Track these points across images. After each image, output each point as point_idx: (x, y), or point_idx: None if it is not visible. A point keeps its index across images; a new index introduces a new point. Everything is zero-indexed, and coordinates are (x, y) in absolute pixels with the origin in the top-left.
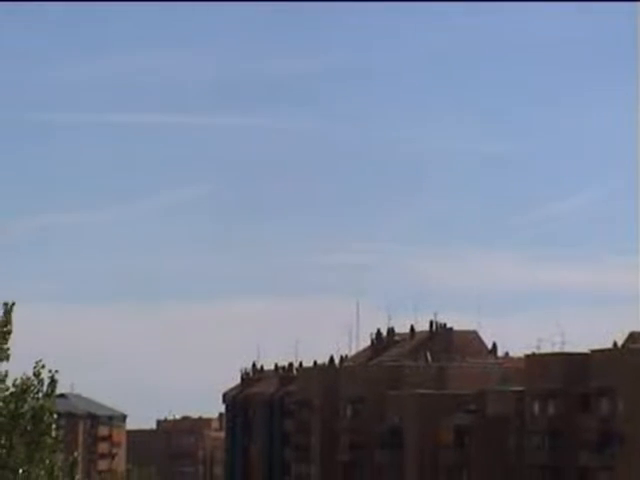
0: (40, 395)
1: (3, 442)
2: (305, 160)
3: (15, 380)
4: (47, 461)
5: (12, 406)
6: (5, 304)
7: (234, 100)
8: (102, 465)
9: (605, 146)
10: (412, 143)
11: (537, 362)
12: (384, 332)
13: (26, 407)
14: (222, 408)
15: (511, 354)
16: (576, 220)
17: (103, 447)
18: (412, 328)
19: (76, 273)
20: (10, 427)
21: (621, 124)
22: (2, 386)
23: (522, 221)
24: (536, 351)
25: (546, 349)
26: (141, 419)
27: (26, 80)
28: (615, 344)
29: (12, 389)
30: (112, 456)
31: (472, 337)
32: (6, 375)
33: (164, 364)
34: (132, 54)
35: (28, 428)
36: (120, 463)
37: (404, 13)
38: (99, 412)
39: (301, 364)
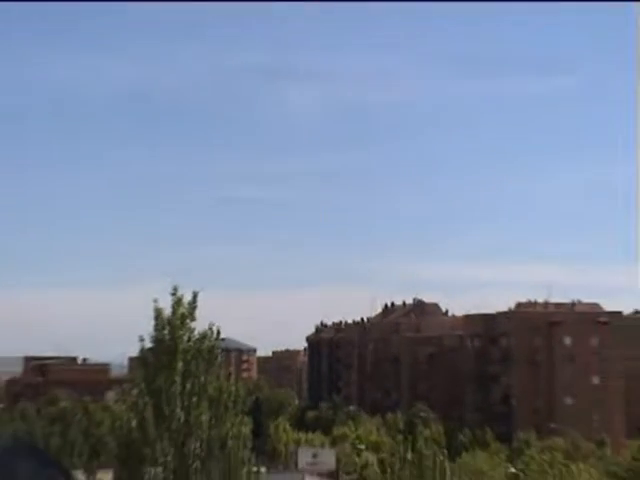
0: (212, 339)
1: (192, 365)
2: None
3: (200, 332)
4: (216, 374)
5: (198, 344)
6: (194, 292)
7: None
8: (244, 375)
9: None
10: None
11: (470, 318)
12: (389, 305)
13: (205, 345)
14: (305, 345)
15: (456, 315)
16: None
17: (244, 366)
18: (404, 302)
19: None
20: (197, 356)
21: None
22: (192, 335)
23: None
24: (468, 313)
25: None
26: (264, 350)
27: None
28: (510, 309)
29: (198, 336)
30: (249, 371)
31: (435, 307)
32: (194, 329)
33: (281, 323)
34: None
35: (206, 356)
36: (253, 374)
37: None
38: (242, 348)
39: (346, 322)
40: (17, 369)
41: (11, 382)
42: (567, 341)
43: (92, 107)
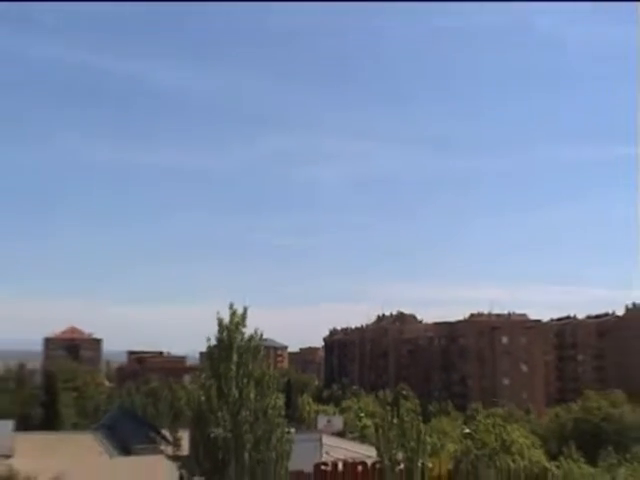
0: (257, 339)
1: (243, 357)
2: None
3: (249, 334)
4: (260, 363)
5: (247, 343)
6: (244, 306)
7: None
8: (278, 365)
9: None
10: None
11: (437, 325)
12: (381, 315)
13: (252, 343)
14: (322, 343)
15: (428, 322)
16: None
17: (279, 359)
18: (391, 313)
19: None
20: (246, 351)
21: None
22: (243, 337)
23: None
24: (436, 321)
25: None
26: (293, 348)
27: None
28: (465, 318)
29: (247, 337)
30: (282, 362)
31: (413, 317)
32: (245, 332)
33: (306, 328)
34: None
35: (253, 352)
36: (285, 365)
37: None
38: (277, 346)
39: (351, 328)
40: (123, 359)
41: (119, 369)
42: (504, 340)
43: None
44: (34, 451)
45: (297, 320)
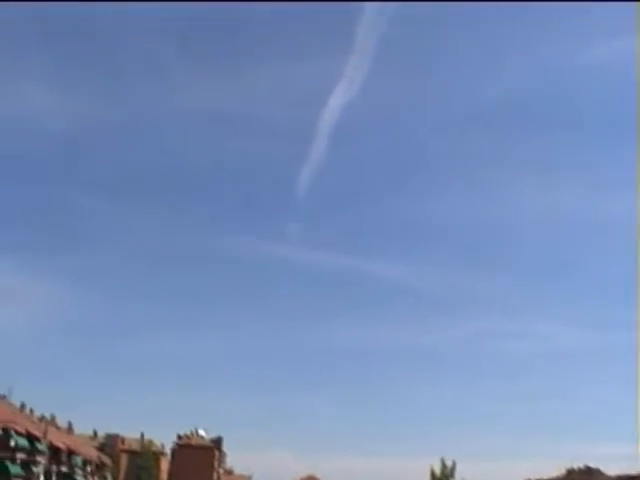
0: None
1: None
2: None
3: None
4: None
5: None
6: (453, 460)
7: None
8: None
9: None
10: None
11: (622, 477)
12: (569, 468)
13: None
14: None
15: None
16: None
17: None
18: (578, 467)
19: None
20: None
21: None
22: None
23: None
24: (620, 474)
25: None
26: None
27: None
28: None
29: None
30: None
31: (598, 470)
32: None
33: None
34: None
35: None
36: None
37: None
38: None
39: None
40: None
41: None
42: None
43: None
44: None
45: (498, 470)
